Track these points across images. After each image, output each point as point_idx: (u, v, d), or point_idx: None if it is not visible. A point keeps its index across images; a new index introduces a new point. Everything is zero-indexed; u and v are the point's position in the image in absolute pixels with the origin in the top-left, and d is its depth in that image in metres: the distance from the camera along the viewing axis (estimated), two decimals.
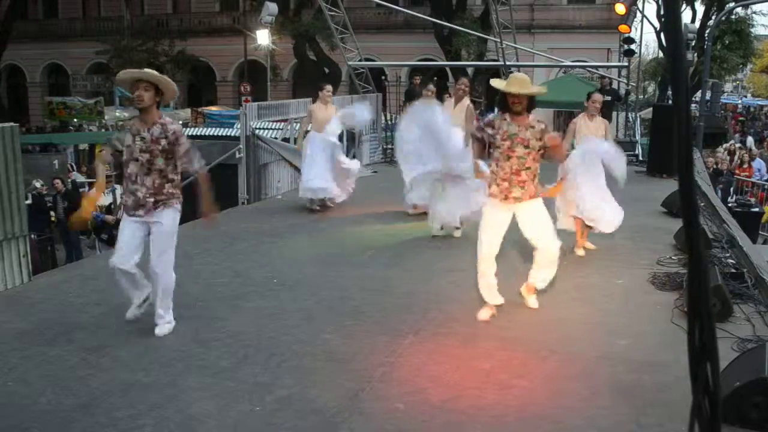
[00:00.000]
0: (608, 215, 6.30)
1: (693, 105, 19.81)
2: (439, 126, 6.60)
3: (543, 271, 4.81)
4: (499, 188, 4.61)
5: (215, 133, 17.59)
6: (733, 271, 5.53)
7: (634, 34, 21.61)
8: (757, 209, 13.20)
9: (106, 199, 8.95)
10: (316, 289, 5.36)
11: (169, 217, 4.28)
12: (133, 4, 31.97)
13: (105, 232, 8.90)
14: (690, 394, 1.33)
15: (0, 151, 5.21)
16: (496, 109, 4.91)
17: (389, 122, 13.94)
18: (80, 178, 15.89)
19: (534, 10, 27.30)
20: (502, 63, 17.07)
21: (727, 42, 23.99)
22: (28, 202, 9.53)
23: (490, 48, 22.07)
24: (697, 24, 22.78)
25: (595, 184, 6.24)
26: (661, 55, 28.88)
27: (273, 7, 18.15)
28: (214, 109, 24.58)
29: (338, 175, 8.31)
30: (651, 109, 15.97)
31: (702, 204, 8.26)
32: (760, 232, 12.99)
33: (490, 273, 4.70)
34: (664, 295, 5.16)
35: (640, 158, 13.48)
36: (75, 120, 24.12)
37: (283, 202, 9.35)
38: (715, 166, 15.37)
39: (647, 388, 3.63)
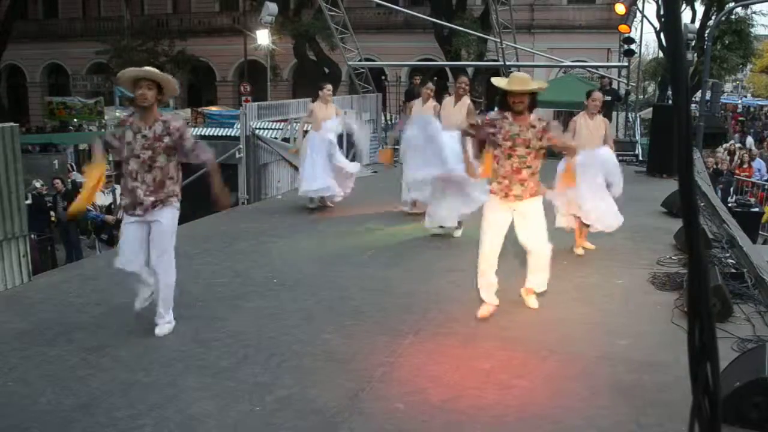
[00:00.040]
0: (607, 215, 6.31)
1: (693, 105, 19.81)
2: (441, 140, 6.75)
3: (537, 275, 4.85)
4: (500, 186, 4.62)
5: (215, 133, 17.61)
6: (733, 271, 5.53)
7: (634, 34, 21.66)
8: (757, 209, 13.20)
9: (106, 199, 8.95)
10: (316, 289, 5.36)
11: (168, 215, 4.28)
12: (133, 4, 31.96)
13: (105, 232, 8.90)
14: (690, 394, 1.33)
15: (0, 151, 5.21)
16: (495, 109, 4.90)
17: (389, 122, 13.95)
18: (80, 178, 15.81)
19: (534, 10, 27.28)
20: (502, 63, 17.08)
21: (727, 42, 23.99)
22: (28, 202, 9.52)
23: (490, 48, 22.08)
24: (697, 24, 22.79)
25: (593, 183, 6.24)
26: (661, 55, 28.88)
27: (273, 7, 18.15)
28: (214, 109, 24.55)
29: (338, 174, 8.33)
30: (651, 109, 15.98)
31: (702, 204, 8.26)
32: (760, 232, 12.99)
33: (490, 272, 4.70)
34: (664, 295, 5.16)
35: (640, 158, 13.48)
36: (75, 120, 24.11)
37: (283, 202, 9.35)
38: (715, 166, 15.37)
39: (647, 388, 3.63)
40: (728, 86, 44.83)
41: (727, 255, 6.15)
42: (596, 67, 20.02)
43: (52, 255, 10.53)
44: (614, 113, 14.18)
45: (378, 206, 8.51)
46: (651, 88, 38.07)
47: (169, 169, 4.26)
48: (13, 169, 5.33)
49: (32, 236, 8.27)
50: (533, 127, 4.54)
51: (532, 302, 4.91)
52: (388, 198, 8.57)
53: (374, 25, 27.10)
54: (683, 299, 4.83)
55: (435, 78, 16.59)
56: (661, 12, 19.13)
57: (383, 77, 24.27)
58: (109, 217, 8.56)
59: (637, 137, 15.20)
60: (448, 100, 7.53)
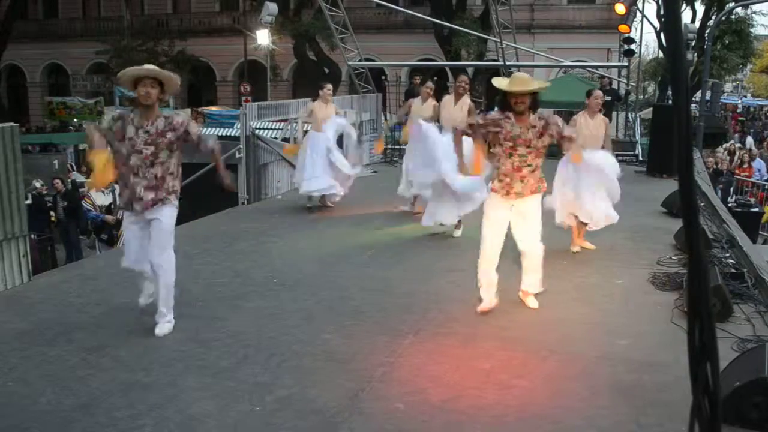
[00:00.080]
0: (606, 214, 6.32)
1: (693, 105, 19.81)
2: (436, 145, 6.82)
3: (530, 275, 4.88)
4: (501, 183, 4.66)
5: (215, 133, 17.56)
6: (733, 271, 5.53)
7: (634, 34, 21.66)
8: (757, 209, 13.22)
9: (106, 199, 8.95)
10: (316, 289, 5.36)
11: (167, 213, 4.30)
12: (133, 4, 31.95)
13: (105, 232, 8.90)
14: (690, 394, 1.33)
15: (0, 151, 5.21)
16: (496, 109, 4.90)
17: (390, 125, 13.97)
18: (80, 178, 15.86)
19: (534, 10, 27.29)
20: (502, 63, 17.08)
21: (727, 42, 23.99)
22: (28, 202, 9.52)
23: (490, 48, 22.07)
24: (697, 24, 22.79)
25: (593, 184, 6.24)
26: (661, 55, 28.89)
27: (273, 7, 18.15)
28: (214, 109, 24.56)
29: (338, 174, 8.33)
30: (651, 109, 15.98)
31: (702, 204, 8.26)
32: (760, 232, 13.00)
33: (491, 270, 4.73)
34: (664, 295, 5.16)
35: (640, 158, 13.47)
36: (75, 120, 24.14)
37: (283, 202, 9.35)
38: (715, 166, 15.37)
39: (647, 388, 3.63)
40: (728, 86, 44.84)
41: (727, 255, 6.15)
42: (596, 67, 20.01)
43: (52, 255, 10.53)
44: (614, 113, 14.18)
45: (378, 206, 8.51)
46: (651, 88, 38.08)
47: (170, 165, 4.28)
48: (13, 169, 5.33)
49: (32, 236, 8.27)
50: (534, 127, 4.56)
51: (532, 302, 4.92)
52: (388, 198, 8.57)
53: (374, 25, 27.10)
54: (683, 299, 4.83)
55: (435, 78, 16.61)
56: (661, 12, 19.15)
57: (383, 77, 24.24)
58: (109, 217, 8.56)
59: (637, 137, 15.20)
60: (448, 98, 7.51)
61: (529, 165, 4.59)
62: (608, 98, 11.20)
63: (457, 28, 20.45)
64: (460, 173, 5.66)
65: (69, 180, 14.29)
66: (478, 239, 4.85)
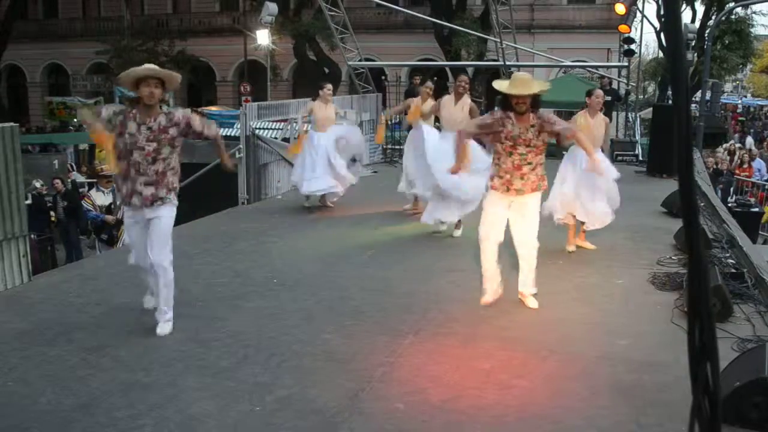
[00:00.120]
0: (605, 214, 6.33)
1: (693, 105, 19.81)
2: (431, 150, 6.93)
3: (526, 274, 4.92)
4: (501, 181, 4.71)
5: None
6: (733, 271, 5.53)
7: (634, 34, 21.66)
8: (757, 209, 13.21)
9: (106, 199, 8.94)
10: (316, 289, 5.36)
11: (167, 212, 4.33)
12: (133, 4, 31.95)
13: (105, 232, 8.89)
14: (690, 394, 1.33)
15: (0, 151, 5.21)
16: (496, 109, 4.94)
17: (389, 122, 13.95)
18: (80, 178, 15.87)
19: (534, 10, 27.29)
20: (502, 63, 17.07)
21: (727, 42, 23.99)
22: (28, 202, 9.52)
23: (490, 48, 22.07)
24: (697, 24, 22.78)
25: (593, 185, 6.24)
26: (661, 55, 28.89)
27: (273, 7, 18.14)
28: (214, 109, 24.53)
29: (338, 174, 8.33)
30: (651, 109, 15.97)
31: (702, 204, 8.26)
32: (760, 232, 12.99)
33: (491, 266, 4.82)
34: (664, 295, 5.16)
35: (640, 158, 13.47)
36: (75, 120, 24.12)
37: (283, 202, 9.35)
38: (715, 166, 15.37)
39: (647, 388, 3.63)
40: (728, 86, 44.83)
41: (727, 255, 6.15)
42: (596, 67, 20.01)
43: (52, 255, 10.52)
44: (614, 113, 14.17)
45: (378, 206, 8.51)
46: (651, 88, 38.08)
47: (171, 161, 4.32)
48: (13, 169, 5.33)
49: (32, 236, 8.27)
50: (533, 126, 4.62)
51: (532, 302, 4.92)
52: (388, 198, 8.58)
53: (374, 25, 27.11)
54: (683, 299, 4.83)
55: (435, 78, 16.63)
56: (661, 12, 19.16)
57: (383, 77, 24.26)
58: (109, 217, 8.54)
59: (637, 137, 15.20)
60: (448, 98, 7.47)
61: (529, 163, 4.66)
62: (608, 98, 11.19)
63: (457, 28, 20.44)
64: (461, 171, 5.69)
65: (69, 180, 14.29)
66: (477, 239, 4.87)
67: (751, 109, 43.05)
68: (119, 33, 29.39)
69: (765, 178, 15.78)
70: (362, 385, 3.64)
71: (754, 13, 25.15)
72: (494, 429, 3.23)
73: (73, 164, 18.06)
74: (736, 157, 17.32)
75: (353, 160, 8.85)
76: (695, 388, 1.31)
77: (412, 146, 7.79)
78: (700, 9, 24.96)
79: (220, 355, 4.05)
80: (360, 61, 16.21)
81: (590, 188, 6.21)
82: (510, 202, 4.73)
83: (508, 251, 5.01)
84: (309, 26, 23.97)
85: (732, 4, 20.44)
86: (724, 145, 19.66)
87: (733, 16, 23.07)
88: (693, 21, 23.60)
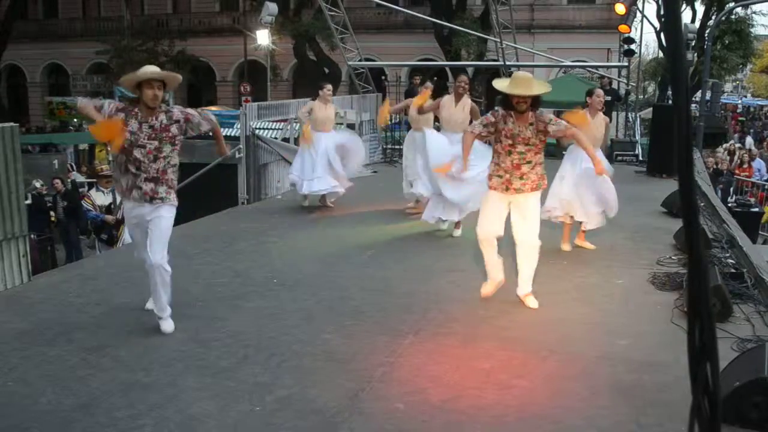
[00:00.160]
0: (597, 211, 6.34)
1: (693, 105, 19.81)
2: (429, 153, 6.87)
3: (525, 273, 4.93)
4: (501, 180, 4.73)
5: None
6: (733, 271, 5.53)
7: (634, 34, 21.66)
8: (757, 209, 13.22)
9: (105, 199, 8.94)
10: (316, 289, 5.36)
11: (166, 212, 4.36)
12: (133, 4, 31.96)
13: (105, 232, 8.89)
14: (690, 394, 1.32)
15: (0, 151, 5.21)
16: (496, 108, 4.95)
17: (389, 122, 13.94)
18: (80, 178, 15.87)
19: (534, 10, 27.30)
20: (502, 63, 17.06)
21: (727, 42, 23.99)
22: (28, 202, 9.52)
23: (490, 48, 22.07)
24: (697, 24, 22.78)
25: (591, 182, 6.24)
26: (661, 55, 28.89)
27: (273, 7, 18.14)
28: (214, 109, 24.47)
29: (337, 174, 8.33)
30: (651, 109, 15.97)
31: (702, 204, 8.26)
32: (760, 232, 13.00)
33: (492, 257, 4.87)
34: (664, 295, 5.16)
35: (640, 158, 13.47)
36: (75, 120, 24.12)
37: (283, 202, 9.35)
38: (715, 166, 15.37)
39: (647, 388, 3.63)
40: (728, 86, 44.83)
41: (727, 255, 6.15)
42: (596, 67, 20.00)
43: (52, 255, 10.52)
44: (614, 113, 14.16)
45: (378, 206, 8.51)
46: (651, 88, 38.08)
47: (172, 159, 4.38)
48: (13, 169, 5.32)
49: (32, 236, 8.27)
50: (531, 125, 4.64)
51: (532, 302, 4.93)
52: (388, 198, 8.58)
53: (374, 25, 27.11)
54: (683, 299, 4.83)
55: (435, 78, 16.63)
56: (661, 12, 19.15)
57: (383, 77, 24.28)
58: (109, 217, 8.54)
59: (637, 137, 15.18)
60: (448, 99, 7.46)
61: (529, 162, 4.68)
62: (608, 98, 11.20)
63: (457, 28, 20.44)
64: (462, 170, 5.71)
65: (69, 180, 14.29)
66: (477, 239, 4.88)
67: (751, 109, 43.07)
68: (119, 33, 29.39)
69: (765, 178, 15.79)
70: (362, 385, 3.64)
71: (754, 13, 25.19)
72: (494, 429, 3.23)
73: (73, 164, 18.06)
74: (736, 157, 17.32)
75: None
76: (695, 388, 1.30)
77: (412, 147, 7.80)
78: (700, 9, 24.98)
79: (220, 355, 4.05)
80: (360, 61, 16.21)
81: (590, 188, 6.21)
82: (509, 202, 4.75)
83: (508, 251, 5.01)
84: (309, 26, 23.97)
85: (732, 4, 20.44)
86: (724, 145, 19.67)
87: (733, 16, 23.07)
88: (693, 21, 23.59)
